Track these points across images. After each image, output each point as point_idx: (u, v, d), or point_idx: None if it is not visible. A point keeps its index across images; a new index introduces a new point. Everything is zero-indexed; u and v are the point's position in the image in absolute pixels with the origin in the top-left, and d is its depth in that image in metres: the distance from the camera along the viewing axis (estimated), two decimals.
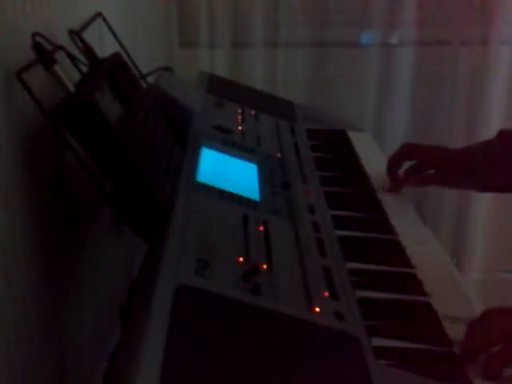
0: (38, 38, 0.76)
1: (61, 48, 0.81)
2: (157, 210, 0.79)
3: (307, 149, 1.24)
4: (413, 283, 0.85)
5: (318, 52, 2.05)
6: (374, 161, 1.27)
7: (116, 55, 0.96)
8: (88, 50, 0.91)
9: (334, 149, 1.31)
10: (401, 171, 1.19)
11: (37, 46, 0.75)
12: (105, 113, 0.74)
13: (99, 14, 1.07)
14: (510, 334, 0.71)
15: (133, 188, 0.78)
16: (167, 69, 1.27)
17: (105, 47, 1.06)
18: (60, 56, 0.81)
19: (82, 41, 0.91)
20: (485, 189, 1.17)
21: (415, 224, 1.07)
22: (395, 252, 0.93)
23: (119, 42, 1.11)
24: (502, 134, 1.12)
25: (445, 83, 2.05)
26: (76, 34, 0.91)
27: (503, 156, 1.10)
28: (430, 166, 1.16)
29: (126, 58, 1.05)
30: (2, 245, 0.68)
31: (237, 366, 0.58)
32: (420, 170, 1.17)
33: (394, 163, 1.18)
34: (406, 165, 1.19)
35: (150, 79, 1.19)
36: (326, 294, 0.75)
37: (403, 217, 1.05)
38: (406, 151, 1.19)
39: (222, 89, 1.38)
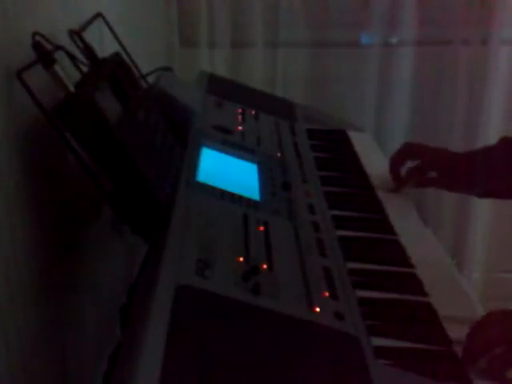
0: (37, 38, 0.76)
1: (61, 48, 0.81)
2: (157, 210, 0.79)
3: (307, 149, 1.24)
4: (413, 283, 0.85)
5: (318, 52, 2.05)
6: (374, 161, 1.27)
7: (116, 55, 0.96)
8: (88, 50, 0.91)
9: (334, 149, 1.31)
10: (402, 170, 1.19)
11: (37, 46, 0.75)
12: (105, 113, 0.74)
13: (99, 14, 1.07)
14: (511, 336, 0.71)
15: (133, 188, 0.78)
16: (167, 69, 1.27)
17: (105, 47, 1.05)
18: (60, 56, 0.81)
19: (83, 41, 0.91)
20: (484, 194, 1.17)
21: (415, 224, 1.07)
22: (395, 252, 0.93)
23: (119, 42, 1.11)
24: (505, 142, 1.12)
25: (445, 83, 2.05)
26: (76, 34, 0.91)
27: (505, 163, 1.10)
28: (433, 167, 1.16)
29: (126, 58, 1.05)
30: (2, 244, 0.68)
31: (237, 366, 0.58)
32: (422, 170, 1.17)
33: (396, 162, 1.18)
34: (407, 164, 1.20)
35: (150, 79, 1.19)
36: (326, 293, 0.75)
37: (403, 217, 1.06)
38: (409, 150, 1.19)
39: (222, 89, 1.38)
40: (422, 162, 1.17)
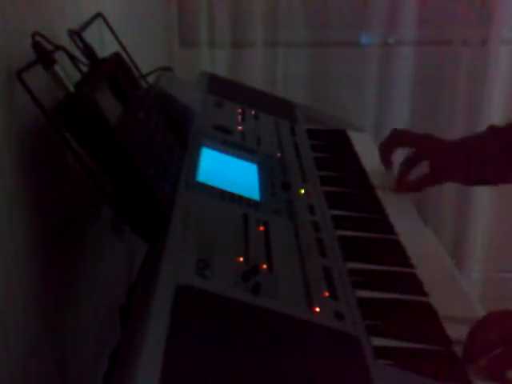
0: (37, 38, 0.76)
1: (61, 48, 0.81)
2: (157, 210, 0.79)
3: (307, 149, 1.24)
4: (413, 283, 0.85)
5: (318, 52, 2.05)
6: (374, 161, 1.27)
7: (116, 55, 0.96)
8: (88, 50, 0.91)
9: (334, 149, 1.31)
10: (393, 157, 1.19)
11: (37, 46, 0.75)
12: (105, 113, 0.74)
13: (99, 14, 1.07)
14: (511, 336, 0.70)
15: (133, 188, 0.78)
16: (167, 69, 1.27)
17: (105, 47, 1.05)
18: (60, 56, 0.81)
19: (83, 41, 0.91)
20: (472, 182, 1.17)
21: (415, 224, 1.07)
22: (395, 252, 0.93)
23: (119, 42, 1.11)
24: (492, 130, 1.13)
25: (445, 83, 2.05)
26: (76, 34, 0.91)
27: (493, 150, 1.11)
28: (424, 157, 1.16)
29: (126, 58, 1.05)
30: (2, 244, 0.68)
31: (237, 366, 0.58)
32: (414, 162, 1.17)
33: (386, 149, 1.19)
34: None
35: (150, 79, 1.19)
36: (326, 293, 0.75)
37: (403, 217, 1.05)
38: (398, 137, 1.20)
39: (222, 89, 1.38)
40: (417, 150, 1.17)
